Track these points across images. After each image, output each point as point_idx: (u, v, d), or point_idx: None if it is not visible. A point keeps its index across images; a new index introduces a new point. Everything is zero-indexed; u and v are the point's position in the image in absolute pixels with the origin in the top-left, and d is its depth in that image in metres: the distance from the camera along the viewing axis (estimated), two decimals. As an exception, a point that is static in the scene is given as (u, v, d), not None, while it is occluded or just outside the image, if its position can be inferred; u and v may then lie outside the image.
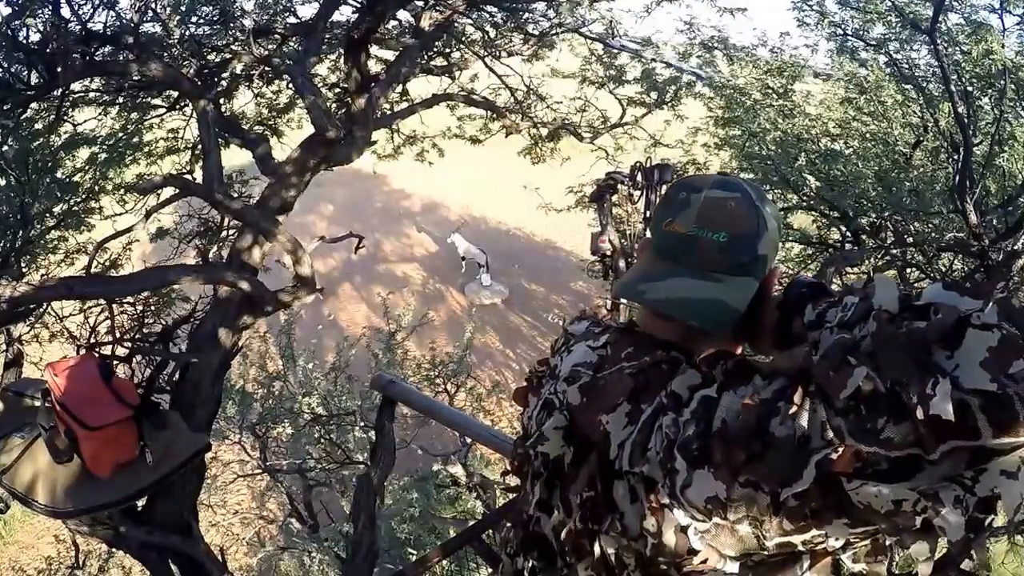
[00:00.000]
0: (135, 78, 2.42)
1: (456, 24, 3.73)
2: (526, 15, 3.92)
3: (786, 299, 0.83)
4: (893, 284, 0.64)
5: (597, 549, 0.81)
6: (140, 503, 2.40)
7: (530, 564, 0.96)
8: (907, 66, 3.08)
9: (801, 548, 0.67)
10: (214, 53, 3.07)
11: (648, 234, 0.94)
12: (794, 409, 0.59)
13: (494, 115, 4.68)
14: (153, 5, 2.27)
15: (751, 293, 0.81)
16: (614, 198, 5.41)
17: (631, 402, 0.77)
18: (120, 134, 3.45)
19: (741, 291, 0.80)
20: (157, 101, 3.46)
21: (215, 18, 2.97)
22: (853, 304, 0.66)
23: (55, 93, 2.37)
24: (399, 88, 4.21)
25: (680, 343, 0.82)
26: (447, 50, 4.21)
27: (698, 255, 0.81)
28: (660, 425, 0.71)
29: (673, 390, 0.73)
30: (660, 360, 0.79)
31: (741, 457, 0.62)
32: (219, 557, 2.56)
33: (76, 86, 2.85)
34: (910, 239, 2.94)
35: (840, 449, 0.56)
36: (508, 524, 1.06)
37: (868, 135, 3.33)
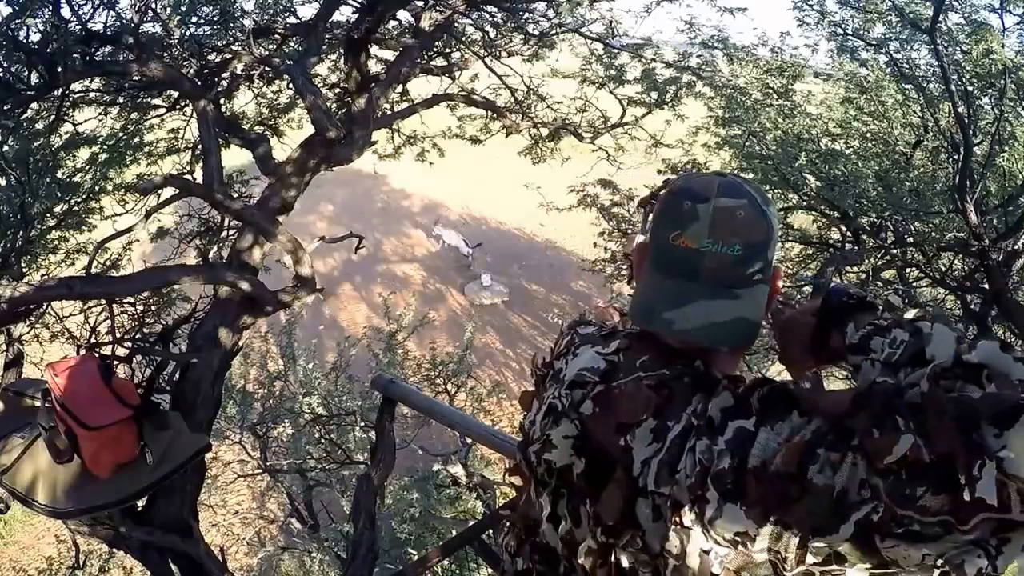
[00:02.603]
0: (135, 78, 2.42)
1: (456, 24, 3.73)
2: (526, 15, 3.92)
3: (826, 307, 0.85)
4: (952, 336, 0.64)
5: (612, 559, 0.79)
6: (140, 503, 2.40)
7: (531, 565, 0.94)
8: (907, 66, 3.08)
9: None
10: (214, 53, 3.07)
11: (640, 239, 0.91)
12: (834, 458, 0.60)
13: (494, 115, 4.68)
14: (153, 5, 2.27)
15: (765, 301, 0.81)
16: (615, 197, 5.42)
17: (656, 418, 0.74)
18: (120, 134, 3.45)
19: (758, 302, 0.80)
20: (157, 101, 3.46)
21: (215, 18, 2.97)
22: (903, 342, 0.69)
23: (55, 93, 2.37)
24: (399, 88, 4.21)
25: (696, 351, 0.80)
26: (447, 50, 4.21)
27: (713, 272, 0.78)
28: (692, 448, 0.70)
29: (707, 412, 0.71)
30: (682, 373, 0.78)
31: (777, 499, 0.63)
32: (219, 557, 2.56)
33: (76, 86, 2.85)
34: (910, 239, 2.94)
35: (880, 510, 0.57)
36: (508, 524, 1.04)
37: (868, 135, 3.33)
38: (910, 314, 0.86)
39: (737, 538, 0.66)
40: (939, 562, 0.56)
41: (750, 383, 0.72)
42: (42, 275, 3.06)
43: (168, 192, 3.08)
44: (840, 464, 0.59)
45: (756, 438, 0.66)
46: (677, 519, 0.70)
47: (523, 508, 0.97)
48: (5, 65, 2.16)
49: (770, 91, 4.00)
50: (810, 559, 0.62)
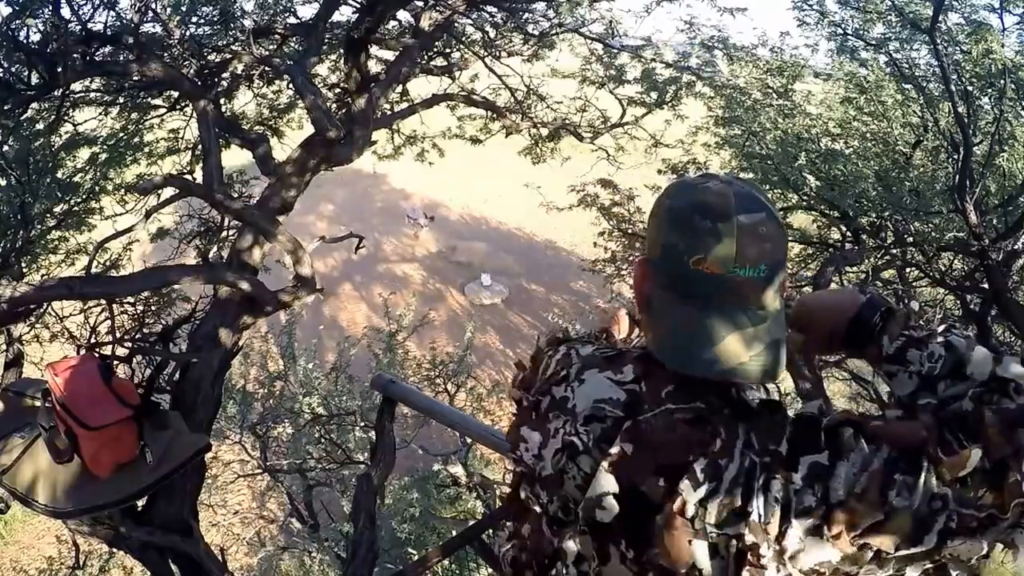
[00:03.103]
0: (135, 78, 2.42)
1: (456, 24, 3.73)
2: (526, 15, 3.92)
3: (859, 318, 0.85)
4: (989, 356, 0.72)
5: None
6: (140, 503, 2.40)
7: None
8: (907, 66, 3.08)
9: None
10: (214, 53, 3.07)
11: (644, 253, 0.85)
12: (910, 481, 0.66)
13: (494, 115, 4.68)
14: (153, 5, 2.27)
15: (783, 311, 0.78)
16: (615, 197, 5.42)
17: (706, 457, 0.71)
18: (120, 134, 3.45)
19: (782, 318, 0.77)
20: (157, 101, 3.46)
21: (215, 18, 2.97)
22: (941, 357, 0.76)
23: (56, 93, 2.37)
24: (399, 88, 4.21)
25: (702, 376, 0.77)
26: (447, 50, 4.21)
27: (743, 298, 0.74)
28: (765, 487, 0.69)
29: (768, 447, 0.71)
30: (719, 405, 0.75)
31: (865, 527, 0.66)
32: (219, 557, 2.56)
33: (76, 86, 2.85)
34: (910, 239, 2.94)
35: (954, 517, 0.65)
36: (509, 546, 0.97)
37: (868, 135, 3.33)
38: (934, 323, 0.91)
39: (817, 567, 0.68)
40: (999, 551, 0.66)
41: (799, 414, 0.73)
42: (42, 275, 3.06)
43: (168, 192, 3.08)
44: (915, 485, 0.65)
45: (834, 472, 0.68)
46: (752, 558, 0.69)
47: (533, 542, 0.91)
48: (5, 65, 2.16)
49: (770, 91, 4.00)
50: (881, 573, 0.68)
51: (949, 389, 0.71)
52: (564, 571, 0.84)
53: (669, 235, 0.77)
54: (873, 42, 3.22)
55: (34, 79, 2.14)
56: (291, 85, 3.67)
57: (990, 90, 2.62)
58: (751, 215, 0.74)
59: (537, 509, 0.87)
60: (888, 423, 0.72)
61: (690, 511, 0.71)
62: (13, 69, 2.19)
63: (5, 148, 2.35)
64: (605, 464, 0.77)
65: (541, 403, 0.88)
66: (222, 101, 3.49)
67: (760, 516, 0.68)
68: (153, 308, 3.36)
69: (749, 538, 0.69)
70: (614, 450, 0.76)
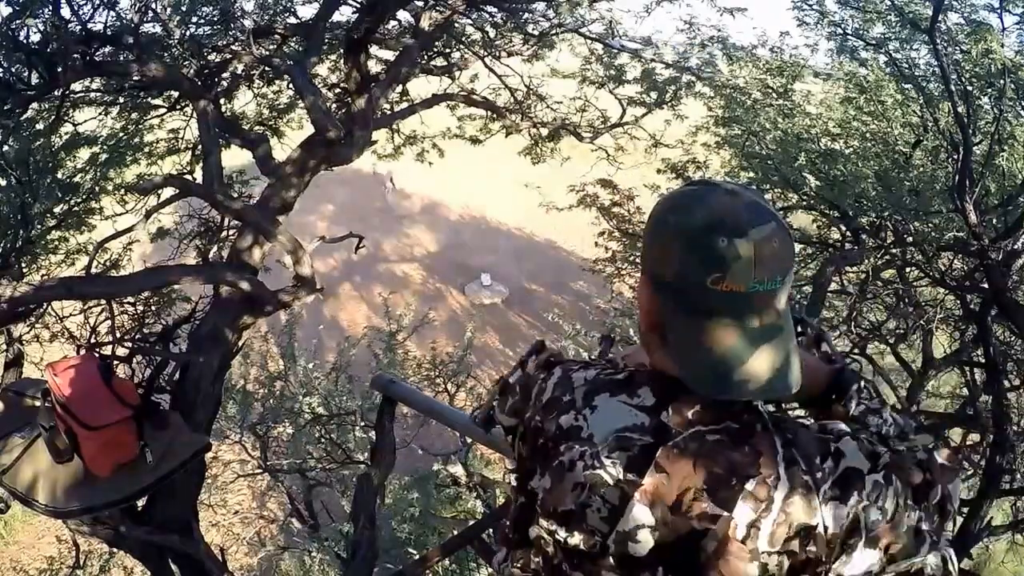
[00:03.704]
0: (135, 78, 2.42)
1: (456, 24, 3.73)
2: (526, 15, 3.92)
3: (839, 382, 0.91)
4: (931, 439, 0.85)
5: None
6: (140, 503, 2.40)
7: None
8: (907, 66, 3.08)
9: None
10: (214, 53, 3.07)
11: (646, 271, 0.82)
12: (913, 506, 0.77)
13: (494, 115, 4.68)
14: (153, 5, 2.27)
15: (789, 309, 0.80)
16: (615, 197, 5.41)
17: (752, 477, 0.72)
18: (121, 134, 3.44)
19: (792, 325, 0.78)
20: (157, 101, 3.46)
21: (215, 18, 2.97)
22: (892, 423, 0.88)
23: (55, 93, 2.37)
24: (399, 88, 4.21)
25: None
26: (447, 50, 4.21)
27: (761, 312, 0.74)
28: (832, 502, 0.72)
29: (816, 462, 0.73)
30: (751, 422, 0.75)
31: (897, 542, 0.75)
32: (220, 557, 2.57)
33: (76, 86, 2.85)
34: (910, 238, 2.94)
35: (933, 535, 0.77)
36: (514, 567, 0.93)
37: (868, 135, 3.33)
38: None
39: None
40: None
41: (831, 431, 0.78)
42: (42, 275, 3.06)
43: (168, 192, 3.08)
44: (916, 510, 0.76)
45: (886, 491, 0.74)
46: (810, 571, 0.72)
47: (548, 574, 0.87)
48: (5, 65, 2.16)
49: (770, 91, 4.00)
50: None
51: (898, 445, 0.81)
52: None
53: (683, 255, 0.75)
54: (873, 42, 3.22)
55: (34, 79, 2.14)
56: (291, 85, 3.68)
57: (990, 90, 2.61)
58: (763, 227, 0.73)
59: (550, 549, 0.82)
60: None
61: (741, 533, 0.71)
62: (13, 69, 2.19)
63: (5, 148, 2.35)
64: (637, 495, 0.75)
65: (543, 432, 0.84)
66: (222, 101, 3.50)
67: (826, 530, 0.71)
68: (153, 308, 3.36)
69: (811, 551, 0.71)
70: (647, 480, 0.75)
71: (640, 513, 0.75)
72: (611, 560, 0.77)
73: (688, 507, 0.73)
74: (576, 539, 0.79)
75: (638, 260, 5.54)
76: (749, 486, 0.71)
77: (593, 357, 1.05)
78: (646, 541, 0.75)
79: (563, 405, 0.83)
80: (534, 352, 0.97)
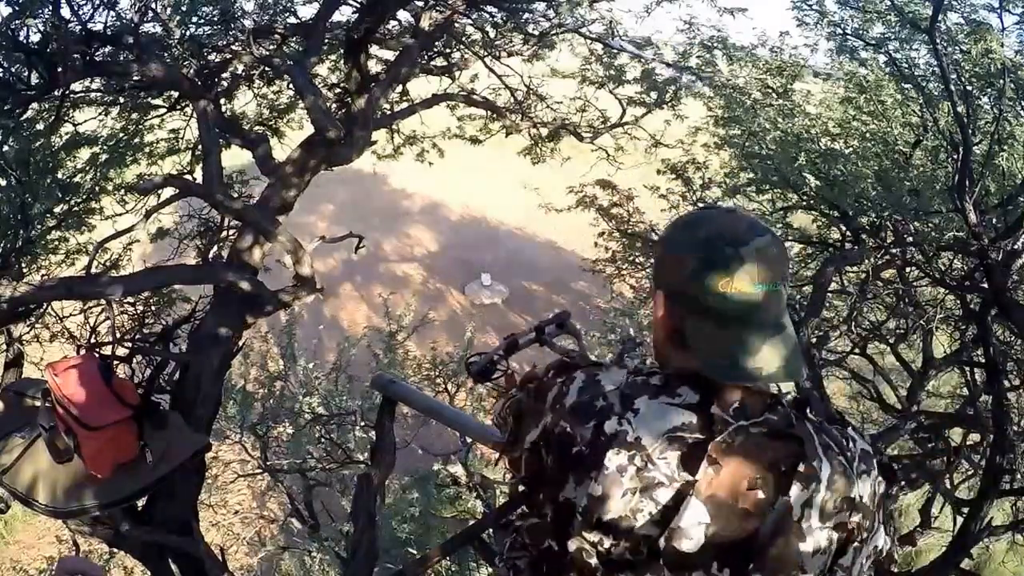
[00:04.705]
0: (135, 78, 2.42)
1: (456, 24, 3.73)
2: (526, 15, 3.92)
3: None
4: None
5: None
6: (140, 503, 2.40)
7: None
8: (906, 65, 3.08)
9: None
10: (214, 53, 3.07)
11: (660, 286, 0.91)
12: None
13: (494, 115, 4.68)
14: (153, 5, 2.27)
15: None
16: (615, 198, 5.41)
17: (802, 464, 0.79)
18: (120, 134, 3.44)
19: (792, 325, 0.86)
20: (158, 101, 3.46)
21: (215, 18, 2.97)
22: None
23: (55, 93, 2.37)
24: (399, 88, 4.21)
25: (752, 384, 0.85)
26: (447, 50, 4.21)
27: (766, 311, 0.83)
28: (861, 476, 0.83)
29: (857, 445, 0.86)
30: (786, 414, 0.83)
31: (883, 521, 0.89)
32: (220, 557, 2.56)
33: (76, 86, 2.85)
34: (910, 238, 2.93)
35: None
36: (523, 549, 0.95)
37: (867, 135, 3.33)
38: None
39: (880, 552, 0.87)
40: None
41: (841, 419, 0.89)
42: (42, 275, 3.06)
43: (168, 192, 3.08)
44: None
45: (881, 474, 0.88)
46: (858, 534, 0.83)
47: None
48: (5, 65, 2.16)
49: (769, 91, 4.00)
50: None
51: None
52: None
53: (694, 264, 0.85)
54: (872, 42, 3.22)
55: (34, 79, 2.14)
56: (291, 85, 3.67)
57: (989, 90, 2.61)
58: (762, 238, 0.84)
59: (593, 561, 0.82)
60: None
61: (796, 513, 0.78)
62: (13, 69, 2.19)
63: (5, 148, 2.35)
64: (693, 492, 0.79)
65: (574, 438, 0.84)
66: (222, 101, 3.49)
67: (861, 498, 0.82)
68: (153, 308, 3.36)
69: (855, 519, 0.81)
70: (701, 475, 0.79)
71: (696, 509, 0.78)
72: (660, 562, 0.79)
73: (744, 497, 0.79)
74: (622, 546, 0.80)
75: (638, 260, 5.55)
76: (801, 468, 0.78)
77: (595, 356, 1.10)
78: (699, 538, 0.78)
79: (598, 410, 0.84)
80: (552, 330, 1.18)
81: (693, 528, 0.78)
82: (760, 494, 0.78)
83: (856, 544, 0.82)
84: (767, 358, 0.81)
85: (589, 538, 0.82)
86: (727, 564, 0.78)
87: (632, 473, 0.80)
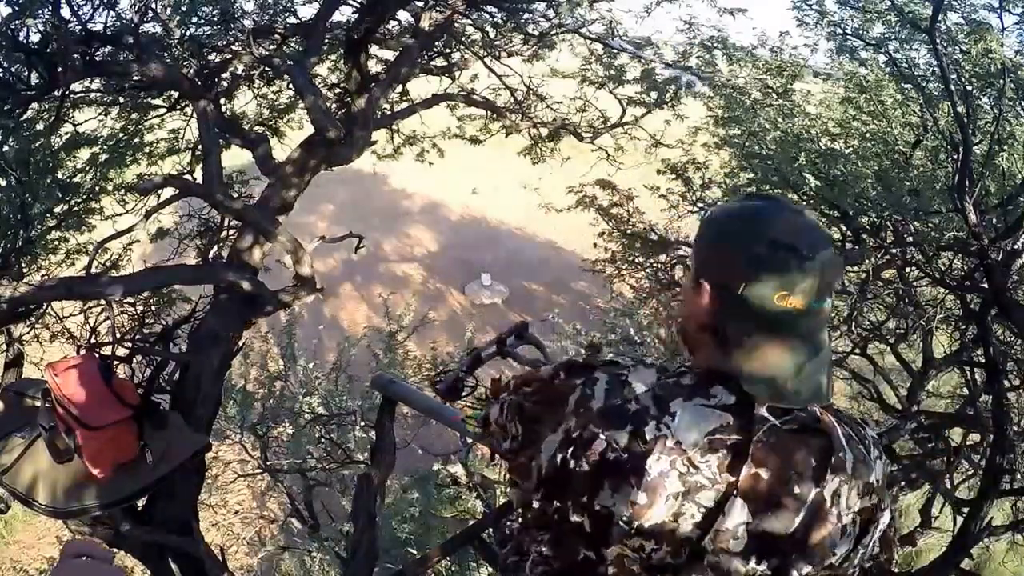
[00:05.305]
0: (135, 78, 2.42)
1: (456, 24, 3.73)
2: (526, 15, 3.92)
3: None
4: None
5: None
6: (140, 503, 2.40)
7: None
8: (906, 65, 3.08)
9: None
10: (214, 53, 3.07)
11: (706, 276, 0.85)
12: None
13: (494, 115, 4.68)
14: (153, 5, 2.27)
15: None
16: (614, 198, 5.41)
17: (829, 454, 0.83)
18: (121, 135, 3.44)
19: (829, 339, 0.87)
20: (157, 101, 3.46)
21: (215, 18, 2.96)
22: None
23: (56, 93, 2.37)
24: (399, 88, 4.21)
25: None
26: (447, 50, 4.21)
27: (814, 327, 0.82)
28: (877, 461, 0.87)
29: (864, 438, 0.88)
30: (813, 412, 0.84)
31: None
32: (220, 557, 2.56)
33: (76, 86, 2.85)
34: (910, 238, 2.93)
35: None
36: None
37: (868, 135, 3.32)
38: None
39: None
40: None
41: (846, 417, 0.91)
42: (42, 275, 3.06)
43: (168, 192, 3.08)
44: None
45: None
46: (876, 514, 0.87)
47: None
48: (5, 65, 2.16)
49: (769, 91, 3.99)
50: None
51: None
52: None
53: (753, 267, 0.79)
54: (872, 42, 3.22)
55: (34, 79, 2.14)
56: (291, 85, 3.67)
57: (989, 90, 2.61)
58: (827, 251, 0.79)
59: (636, 568, 0.82)
60: None
61: (829, 502, 0.81)
62: (13, 69, 2.18)
63: (5, 148, 2.35)
64: (735, 492, 0.79)
65: (610, 445, 0.81)
66: (222, 101, 3.49)
67: (877, 482, 0.86)
68: (153, 308, 3.35)
69: (873, 502, 0.86)
70: (743, 475, 0.79)
71: (740, 510, 0.79)
72: (704, 562, 0.79)
73: (784, 492, 0.80)
74: (664, 550, 0.80)
75: (638, 260, 5.54)
76: (833, 461, 0.81)
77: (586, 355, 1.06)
78: (744, 537, 0.79)
79: (632, 414, 0.81)
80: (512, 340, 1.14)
81: (739, 527, 0.79)
82: (797, 488, 0.80)
83: (873, 524, 0.86)
84: (809, 380, 0.81)
85: (631, 544, 0.80)
86: (768, 558, 0.80)
87: (675, 478, 0.79)
